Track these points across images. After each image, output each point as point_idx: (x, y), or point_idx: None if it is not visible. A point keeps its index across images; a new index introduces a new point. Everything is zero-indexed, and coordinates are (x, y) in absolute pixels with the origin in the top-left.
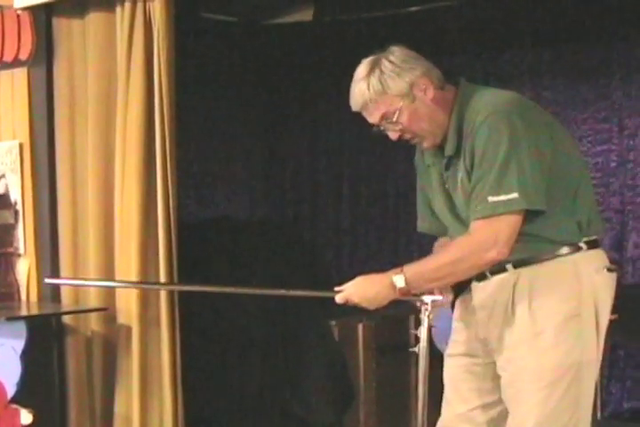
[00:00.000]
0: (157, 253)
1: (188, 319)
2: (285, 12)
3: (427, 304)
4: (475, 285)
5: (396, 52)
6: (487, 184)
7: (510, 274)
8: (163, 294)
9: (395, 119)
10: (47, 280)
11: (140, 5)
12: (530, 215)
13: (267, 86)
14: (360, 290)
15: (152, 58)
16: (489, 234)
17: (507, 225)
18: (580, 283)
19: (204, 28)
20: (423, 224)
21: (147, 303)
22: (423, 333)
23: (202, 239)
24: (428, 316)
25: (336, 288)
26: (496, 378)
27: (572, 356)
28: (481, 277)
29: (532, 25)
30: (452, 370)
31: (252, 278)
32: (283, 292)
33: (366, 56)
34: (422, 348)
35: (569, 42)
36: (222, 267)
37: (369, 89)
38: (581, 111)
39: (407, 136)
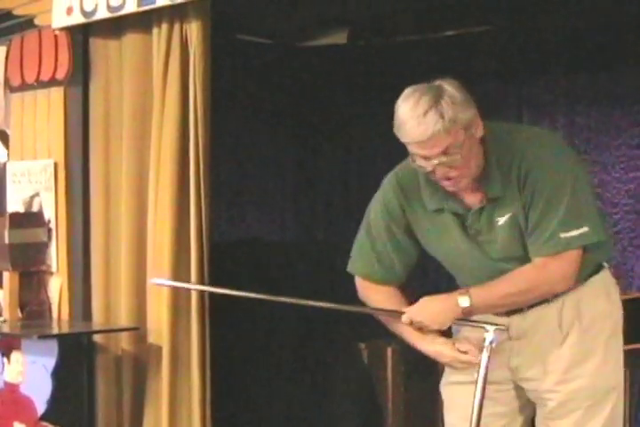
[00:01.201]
0: (189, 273)
1: (218, 340)
2: (320, 34)
3: (488, 331)
4: (510, 316)
5: (456, 84)
6: (556, 220)
7: (554, 302)
8: (193, 315)
9: (457, 153)
10: (153, 280)
11: (176, 27)
12: None
13: (300, 108)
14: (424, 309)
15: (188, 79)
16: (559, 268)
17: (575, 259)
18: (611, 301)
19: (239, 50)
20: (368, 269)
21: (177, 323)
22: (484, 361)
23: (232, 259)
24: (490, 344)
25: (402, 309)
26: (513, 402)
27: (618, 373)
28: (518, 309)
29: (566, 51)
30: (468, 397)
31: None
32: (347, 307)
33: (399, 80)
34: (481, 376)
35: (603, 68)
36: (251, 287)
37: (443, 117)
38: (614, 137)
39: (452, 174)
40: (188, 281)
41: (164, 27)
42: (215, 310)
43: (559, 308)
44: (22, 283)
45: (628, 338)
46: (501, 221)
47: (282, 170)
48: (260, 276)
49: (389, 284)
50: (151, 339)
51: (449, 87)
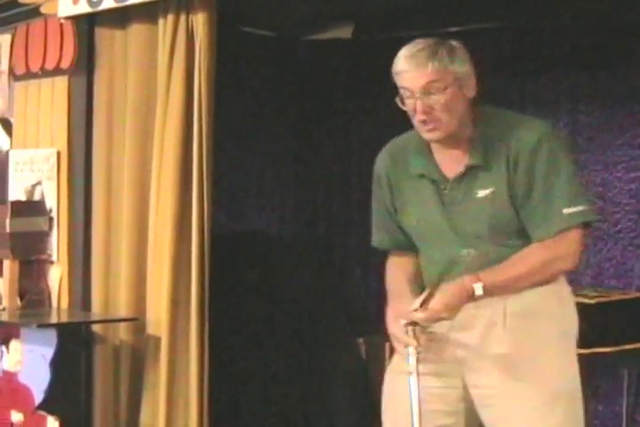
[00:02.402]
0: (189, 265)
1: (217, 332)
2: (325, 28)
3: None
4: None
5: (461, 45)
6: (559, 197)
7: (499, 298)
8: (193, 306)
9: (438, 94)
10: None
11: (182, 18)
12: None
13: (302, 102)
14: (442, 301)
15: (193, 70)
16: (566, 246)
17: (579, 237)
18: (564, 305)
19: (243, 42)
20: (383, 239)
21: (177, 315)
22: (413, 361)
23: (232, 252)
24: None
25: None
26: (459, 403)
27: (569, 376)
28: None
29: (570, 49)
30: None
31: (280, 292)
32: None
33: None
34: (413, 379)
35: (607, 67)
36: (251, 280)
37: (435, 55)
38: (616, 137)
39: (432, 115)
40: (189, 272)
41: (170, 18)
42: (214, 302)
43: (503, 304)
44: (22, 272)
45: (626, 338)
46: (481, 193)
47: (283, 163)
48: (260, 269)
49: (402, 251)
50: (150, 330)
51: (454, 44)
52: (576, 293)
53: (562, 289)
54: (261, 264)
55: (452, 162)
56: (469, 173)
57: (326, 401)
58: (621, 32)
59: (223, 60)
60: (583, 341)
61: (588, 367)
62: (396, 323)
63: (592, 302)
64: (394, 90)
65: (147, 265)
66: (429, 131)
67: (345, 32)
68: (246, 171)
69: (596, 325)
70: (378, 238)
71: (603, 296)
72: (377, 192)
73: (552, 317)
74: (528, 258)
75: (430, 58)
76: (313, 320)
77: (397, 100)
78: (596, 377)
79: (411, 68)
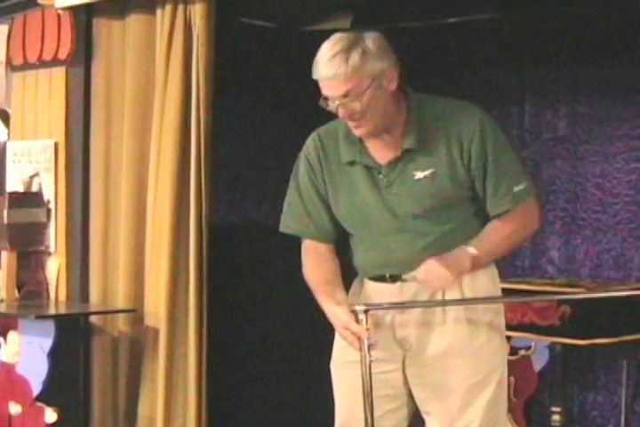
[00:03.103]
0: (188, 256)
1: (215, 324)
2: (324, 19)
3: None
4: (389, 286)
5: (377, 37)
6: (508, 177)
7: None
8: (191, 298)
9: (357, 99)
10: (358, 307)
11: (180, 9)
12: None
13: (301, 93)
14: (432, 264)
15: (190, 61)
16: (525, 216)
17: (533, 204)
18: (496, 284)
19: (242, 33)
20: (299, 225)
21: (175, 306)
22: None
23: (231, 243)
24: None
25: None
26: (403, 386)
27: (502, 354)
28: (396, 277)
29: (570, 40)
30: (358, 378)
31: (279, 284)
32: None
33: (402, 66)
34: (363, 357)
35: (607, 58)
36: (250, 272)
37: (347, 62)
38: (616, 128)
39: (355, 117)
40: (187, 264)
41: (168, 8)
42: (213, 293)
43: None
44: (20, 263)
45: (626, 329)
46: (419, 175)
47: (282, 154)
48: (259, 260)
49: (324, 241)
50: (148, 321)
51: (367, 39)
52: (575, 284)
53: (493, 270)
54: (260, 256)
55: (386, 147)
56: (405, 156)
57: (325, 390)
58: (621, 23)
59: (221, 51)
60: (582, 332)
61: (587, 358)
62: (341, 314)
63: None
64: None
65: (145, 256)
66: (355, 128)
67: (344, 23)
68: (245, 162)
69: (595, 316)
70: (296, 226)
71: (602, 287)
72: (304, 179)
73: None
74: (498, 232)
75: (343, 65)
76: (312, 311)
77: (321, 102)
78: (595, 368)
79: (326, 78)
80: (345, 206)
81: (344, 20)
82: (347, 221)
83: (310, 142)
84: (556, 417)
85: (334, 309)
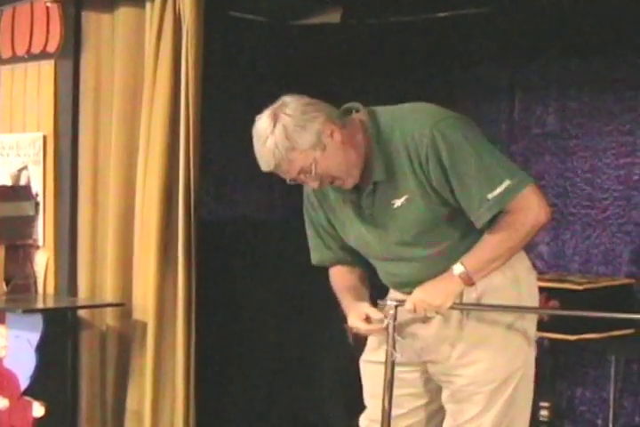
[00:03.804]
0: (176, 250)
1: (203, 318)
2: (313, 13)
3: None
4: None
5: (292, 104)
6: (474, 186)
7: None
8: (180, 291)
9: (312, 172)
10: (390, 302)
11: (170, 2)
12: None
13: (291, 87)
14: (424, 288)
15: (180, 54)
16: (523, 215)
17: (530, 199)
18: (520, 287)
19: (231, 27)
20: (320, 255)
21: (163, 300)
22: (390, 337)
23: (219, 237)
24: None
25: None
26: (426, 384)
27: (520, 358)
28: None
29: (560, 36)
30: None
31: (268, 278)
32: None
33: (391, 60)
34: (388, 352)
35: (596, 53)
36: (239, 266)
37: (277, 148)
38: (606, 123)
39: (327, 181)
40: (176, 258)
41: (157, 2)
42: (201, 287)
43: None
44: (8, 256)
45: (614, 325)
46: (397, 203)
47: None
48: (248, 253)
49: (344, 264)
50: (136, 315)
51: (285, 111)
52: (564, 279)
53: (518, 269)
54: (249, 250)
55: (363, 180)
56: (378, 188)
57: (313, 386)
58: (611, 18)
59: (211, 45)
60: (571, 327)
61: (575, 354)
62: (363, 307)
63: (580, 288)
64: (382, 74)
65: (133, 250)
66: (341, 185)
67: (333, 17)
68: (234, 155)
69: (584, 311)
70: (319, 256)
71: (591, 282)
72: (310, 213)
73: (509, 299)
74: (488, 240)
75: (275, 155)
76: (301, 305)
77: (289, 182)
78: (584, 363)
79: (270, 169)
80: (351, 238)
81: (334, 14)
82: (358, 249)
83: None
84: (544, 412)
85: (355, 314)
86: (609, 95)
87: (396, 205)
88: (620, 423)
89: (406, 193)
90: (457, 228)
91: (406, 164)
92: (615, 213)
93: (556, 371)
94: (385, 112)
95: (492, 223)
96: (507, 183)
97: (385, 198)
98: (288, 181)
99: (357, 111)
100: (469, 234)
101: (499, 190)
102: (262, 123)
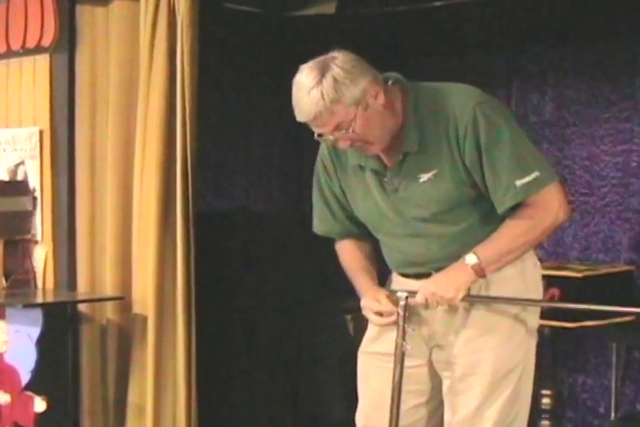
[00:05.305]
0: (175, 243)
1: (204, 311)
2: (308, 4)
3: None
4: (415, 282)
5: (344, 57)
6: (506, 170)
7: None
8: (179, 285)
9: (350, 129)
10: (400, 293)
11: None
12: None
13: (288, 78)
14: (435, 278)
15: (175, 47)
16: (542, 209)
17: (553, 195)
18: (526, 280)
19: (226, 19)
20: (326, 226)
21: (163, 294)
22: (400, 329)
23: (218, 230)
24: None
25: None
26: (430, 380)
27: (524, 351)
28: (427, 275)
29: (556, 23)
30: (386, 371)
31: (267, 270)
32: None
33: (387, 50)
34: (399, 344)
35: (593, 40)
36: (237, 258)
37: (323, 98)
38: (603, 110)
39: (358, 143)
40: (174, 251)
41: None
42: (201, 280)
43: None
44: (7, 252)
45: (613, 312)
46: (424, 177)
47: (269, 140)
48: (246, 246)
49: (351, 237)
50: (136, 309)
51: (336, 63)
52: (563, 266)
53: (526, 263)
54: (247, 242)
55: (391, 150)
56: (408, 159)
57: (314, 377)
58: (607, 5)
59: (206, 37)
60: (571, 315)
61: (576, 341)
62: (378, 297)
63: (580, 275)
64: (378, 64)
65: (132, 244)
66: (363, 150)
67: (329, 8)
68: (232, 148)
69: (584, 298)
70: (325, 227)
71: (590, 270)
72: (322, 181)
73: (516, 290)
74: (511, 233)
75: (320, 103)
76: (300, 297)
77: (316, 138)
78: (585, 351)
79: (308, 120)
80: (362, 209)
81: (329, 4)
82: (366, 223)
83: (323, 145)
84: (546, 400)
85: (374, 287)
86: (606, 83)
87: (422, 180)
88: (621, 410)
89: (436, 168)
90: (478, 211)
91: (442, 138)
92: (614, 201)
93: (557, 359)
94: (426, 86)
95: (510, 215)
96: (536, 174)
97: (412, 171)
98: (316, 136)
99: (394, 82)
100: (489, 220)
101: (527, 179)
102: (308, 72)
